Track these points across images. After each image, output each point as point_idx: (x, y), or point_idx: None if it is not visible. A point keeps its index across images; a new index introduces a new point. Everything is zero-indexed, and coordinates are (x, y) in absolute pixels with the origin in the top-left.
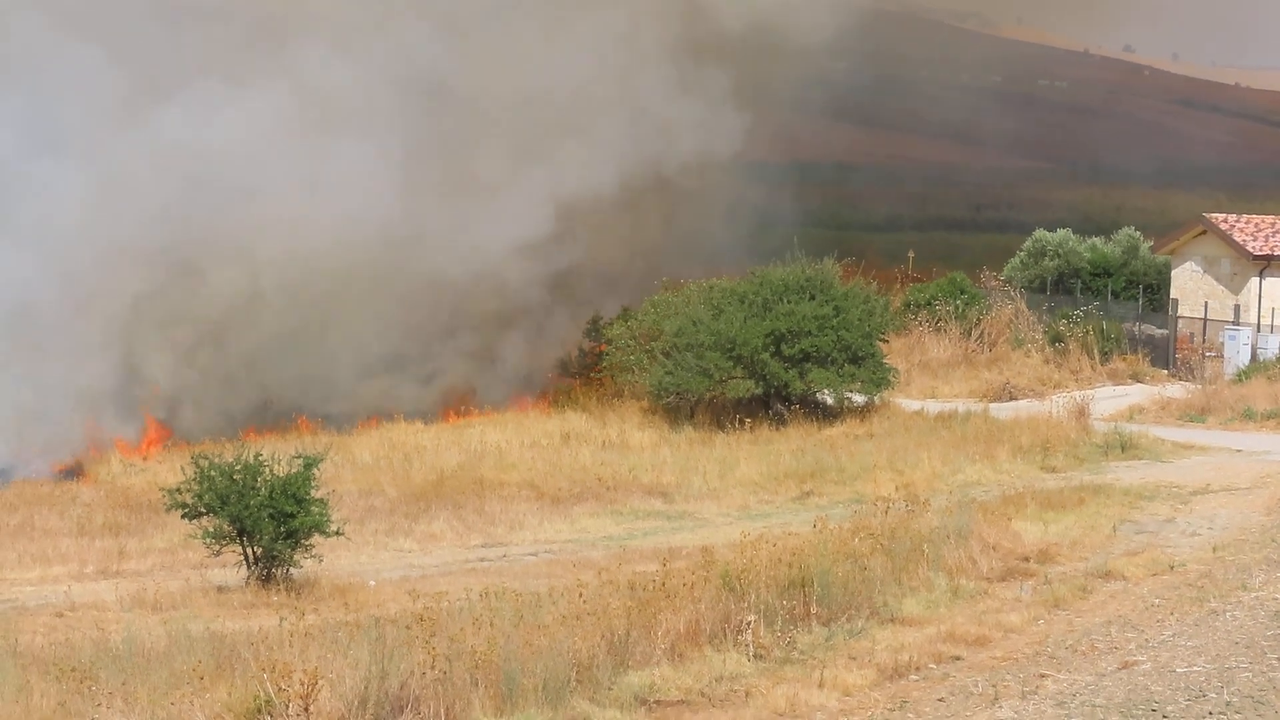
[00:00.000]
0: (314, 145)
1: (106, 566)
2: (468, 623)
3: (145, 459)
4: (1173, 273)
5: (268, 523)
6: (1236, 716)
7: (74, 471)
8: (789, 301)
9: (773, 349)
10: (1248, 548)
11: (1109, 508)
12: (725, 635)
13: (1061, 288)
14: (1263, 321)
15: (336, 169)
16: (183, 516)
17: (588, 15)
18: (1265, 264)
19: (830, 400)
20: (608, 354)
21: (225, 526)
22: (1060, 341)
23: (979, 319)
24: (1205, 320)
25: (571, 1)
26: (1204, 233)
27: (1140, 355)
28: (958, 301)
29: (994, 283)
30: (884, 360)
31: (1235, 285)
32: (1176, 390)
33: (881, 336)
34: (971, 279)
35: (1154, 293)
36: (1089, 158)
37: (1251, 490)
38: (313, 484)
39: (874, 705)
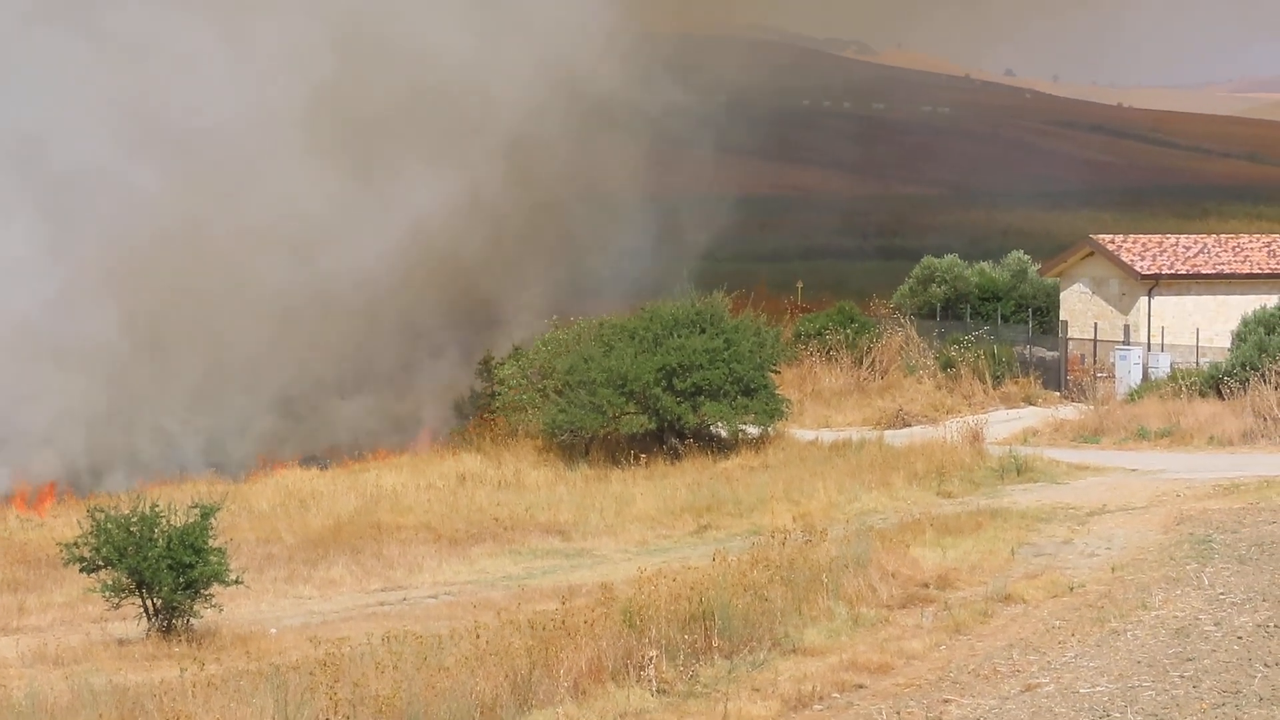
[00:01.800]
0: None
1: (6, 623)
2: (370, 667)
3: (41, 513)
4: (1062, 295)
5: (167, 574)
6: None
7: None
8: (679, 336)
9: (665, 383)
10: (1146, 566)
11: (1006, 531)
12: (628, 671)
13: (951, 313)
14: (1153, 340)
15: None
16: (81, 570)
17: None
18: (1154, 283)
19: (724, 433)
20: (500, 393)
21: (124, 579)
22: (952, 367)
23: (870, 347)
24: (1095, 341)
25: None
26: (1091, 254)
27: (1032, 378)
28: (848, 330)
29: (883, 310)
30: (776, 391)
31: (1124, 305)
32: (1069, 412)
33: (773, 368)
34: (861, 307)
35: (1044, 315)
36: (974, 182)
37: (1148, 509)
38: (210, 533)
39: None
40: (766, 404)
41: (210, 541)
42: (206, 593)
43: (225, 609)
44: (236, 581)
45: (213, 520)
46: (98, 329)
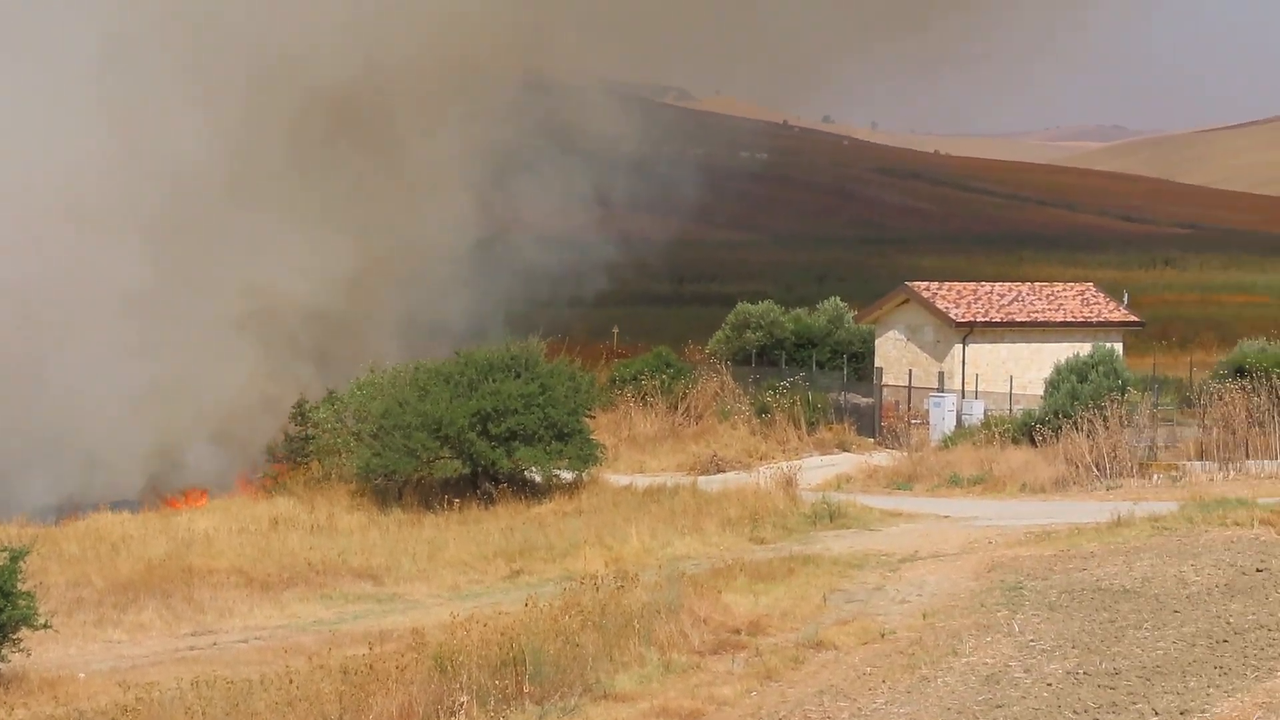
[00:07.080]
0: None
1: None
2: (179, 713)
3: None
4: (877, 341)
5: None
6: None
7: None
8: (495, 380)
9: (479, 428)
10: (957, 613)
11: (818, 577)
12: (439, 716)
13: (766, 359)
14: (967, 387)
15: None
16: None
17: None
18: (968, 330)
19: (538, 478)
20: (315, 437)
21: None
22: (766, 413)
23: (685, 393)
24: (910, 388)
25: None
26: (907, 301)
27: (846, 424)
28: (663, 376)
29: (699, 356)
30: (591, 436)
31: (939, 352)
32: (883, 458)
33: (588, 413)
34: (676, 353)
35: (859, 362)
36: (792, 228)
37: (960, 556)
38: (19, 576)
39: None
40: (581, 449)
41: (19, 585)
42: (14, 637)
43: (33, 653)
44: (45, 625)
45: (22, 563)
46: None
